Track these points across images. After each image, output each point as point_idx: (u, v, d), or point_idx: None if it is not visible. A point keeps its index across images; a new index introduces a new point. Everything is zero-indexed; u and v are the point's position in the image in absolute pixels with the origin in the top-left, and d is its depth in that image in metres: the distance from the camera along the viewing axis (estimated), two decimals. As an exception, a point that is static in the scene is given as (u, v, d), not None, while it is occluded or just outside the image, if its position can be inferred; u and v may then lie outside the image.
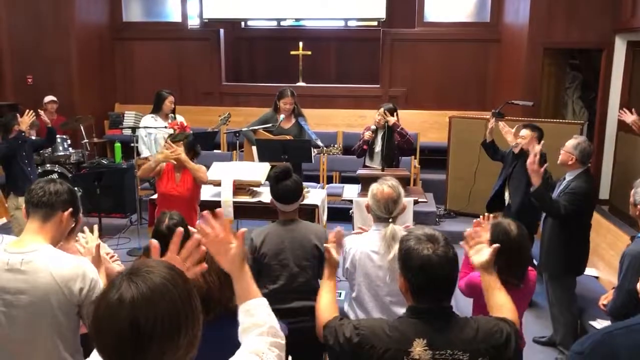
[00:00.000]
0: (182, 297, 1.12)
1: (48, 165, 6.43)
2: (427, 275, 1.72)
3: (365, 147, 5.48)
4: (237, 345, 1.92)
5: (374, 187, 2.83)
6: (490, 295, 2.00)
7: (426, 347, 1.69)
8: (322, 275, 2.93)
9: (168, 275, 1.12)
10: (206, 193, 4.70)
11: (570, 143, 3.98)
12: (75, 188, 4.82)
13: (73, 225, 2.24)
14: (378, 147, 5.44)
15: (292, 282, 2.89)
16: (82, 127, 7.15)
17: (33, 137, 6.47)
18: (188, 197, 4.31)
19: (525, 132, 4.62)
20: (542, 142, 4.24)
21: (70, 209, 2.12)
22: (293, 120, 5.48)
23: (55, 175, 6.20)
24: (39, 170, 6.18)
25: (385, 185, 2.80)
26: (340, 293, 4.39)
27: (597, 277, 4.86)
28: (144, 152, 5.72)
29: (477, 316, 1.86)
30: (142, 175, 4.56)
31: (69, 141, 6.79)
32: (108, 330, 1.06)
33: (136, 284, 1.08)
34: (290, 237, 2.91)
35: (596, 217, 4.24)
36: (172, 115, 5.85)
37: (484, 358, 1.72)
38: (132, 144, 5.71)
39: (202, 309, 1.84)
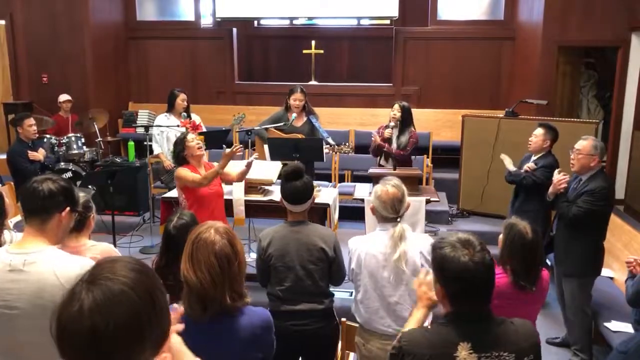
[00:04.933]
0: (144, 300, 1.12)
1: (62, 163, 6.49)
2: (465, 282, 1.69)
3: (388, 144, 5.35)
4: (236, 341, 1.92)
5: (377, 189, 2.83)
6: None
7: (471, 351, 1.67)
8: (329, 278, 2.95)
9: (127, 279, 1.12)
10: (218, 192, 4.71)
11: (587, 145, 3.84)
12: (89, 186, 4.87)
13: (77, 218, 2.18)
14: (394, 146, 5.37)
15: (298, 284, 2.88)
16: (96, 126, 7.21)
17: (47, 136, 6.56)
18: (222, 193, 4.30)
19: (538, 130, 4.60)
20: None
21: (68, 208, 2.05)
22: (304, 119, 5.47)
23: (69, 174, 6.25)
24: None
25: (389, 185, 2.80)
26: (352, 293, 4.38)
27: (612, 278, 4.80)
28: (156, 150, 5.89)
29: (509, 318, 1.83)
30: (207, 182, 4.05)
31: (83, 139, 6.85)
32: (70, 339, 1.09)
33: (93, 293, 1.09)
34: (296, 238, 2.90)
35: (611, 217, 4.18)
36: (185, 113, 5.88)
37: (528, 357, 1.72)
38: (146, 143, 5.77)
39: (199, 308, 1.84)
